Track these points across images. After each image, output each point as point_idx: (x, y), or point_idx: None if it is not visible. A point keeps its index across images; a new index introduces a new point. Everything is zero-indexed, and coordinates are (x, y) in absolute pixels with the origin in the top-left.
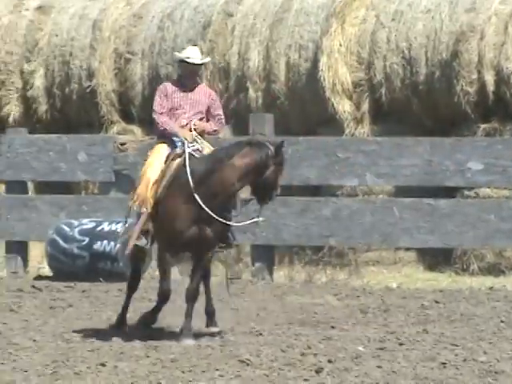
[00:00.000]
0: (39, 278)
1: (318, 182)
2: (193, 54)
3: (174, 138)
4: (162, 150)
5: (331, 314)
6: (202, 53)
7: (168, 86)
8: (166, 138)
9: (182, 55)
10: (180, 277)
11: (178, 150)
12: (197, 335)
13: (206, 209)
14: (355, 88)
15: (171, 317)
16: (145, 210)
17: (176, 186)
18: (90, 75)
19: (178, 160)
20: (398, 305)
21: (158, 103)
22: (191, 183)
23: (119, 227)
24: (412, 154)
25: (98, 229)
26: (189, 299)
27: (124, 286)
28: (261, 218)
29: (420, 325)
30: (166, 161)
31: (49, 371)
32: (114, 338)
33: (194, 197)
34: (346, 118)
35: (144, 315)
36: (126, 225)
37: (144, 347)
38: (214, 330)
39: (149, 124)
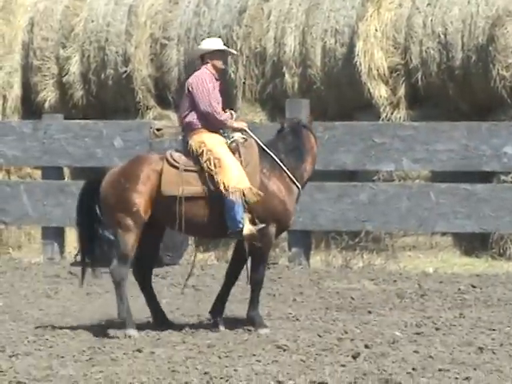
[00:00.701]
0: (76, 263)
1: (355, 167)
2: (219, 43)
3: (226, 130)
4: (219, 139)
5: (368, 299)
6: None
7: (211, 77)
8: (219, 130)
9: (218, 46)
10: (217, 262)
11: (230, 140)
12: (233, 321)
13: (300, 189)
14: (391, 73)
15: (205, 303)
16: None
17: (267, 170)
18: (126, 61)
19: (248, 148)
20: (434, 289)
21: (212, 98)
22: (284, 167)
23: None
24: (448, 139)
25: None
26: (256, 286)
27: (160, 271)
28: None
29: (457, 309)
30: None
31: (85, 357)
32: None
33: (290, 179)
34: (382, 103)
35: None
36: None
37: (181, 333)
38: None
39: None
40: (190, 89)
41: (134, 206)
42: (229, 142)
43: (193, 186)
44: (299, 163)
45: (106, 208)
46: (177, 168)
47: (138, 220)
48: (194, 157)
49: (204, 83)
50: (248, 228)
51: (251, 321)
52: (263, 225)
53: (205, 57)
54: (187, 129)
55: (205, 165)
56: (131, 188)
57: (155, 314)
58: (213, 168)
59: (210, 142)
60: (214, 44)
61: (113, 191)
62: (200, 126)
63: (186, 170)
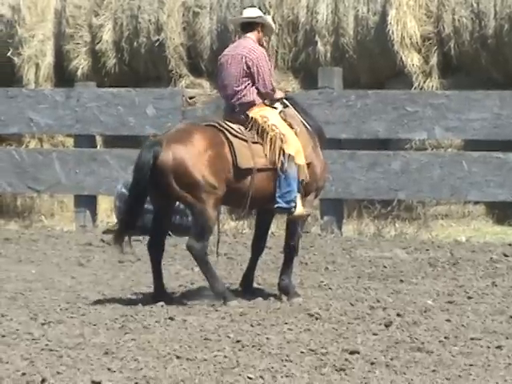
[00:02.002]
0: (108, 232)
1: (387, 136)
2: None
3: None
4: (277, 113)
5: (400, 268)
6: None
7: (265, 53)
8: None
9: (267, 19)
10: (249, 230)
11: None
12: (266, 289)
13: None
14: (424, 41)
15: (237, 271)
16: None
17: (306, 139)
18: (159, 29)
19: (293, 118)
20: (466, 258)
21: (272, 77)
22: (316, 136)
23: None
24: (481, 108)
25: None
26: (290, 255)
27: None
28: None
29: (489, 278)
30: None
31: (118, 325)
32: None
33: (320, 148)
34: (414, 72)
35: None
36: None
37: (212, 301)
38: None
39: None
40: (251, 64)
41: (214, 183)
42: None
43: (261, 158)
44: (321, 132)
45: (182, 185)
46: (245, 141)
47: (218, 196)
48: (257, 130)
49: (265, 61)
50: (300, 209)
51: (284, 290)
52: (312, 211)
53: (249, 26)
54: (244, 103)
55: (271, 139)
56: (210, 164)
57: (157, 287)
58: (279, 143)
59: (273, 117)
60: (266, 17)
61: (190, 168)
62: (259, 101)
63: (253, 143)
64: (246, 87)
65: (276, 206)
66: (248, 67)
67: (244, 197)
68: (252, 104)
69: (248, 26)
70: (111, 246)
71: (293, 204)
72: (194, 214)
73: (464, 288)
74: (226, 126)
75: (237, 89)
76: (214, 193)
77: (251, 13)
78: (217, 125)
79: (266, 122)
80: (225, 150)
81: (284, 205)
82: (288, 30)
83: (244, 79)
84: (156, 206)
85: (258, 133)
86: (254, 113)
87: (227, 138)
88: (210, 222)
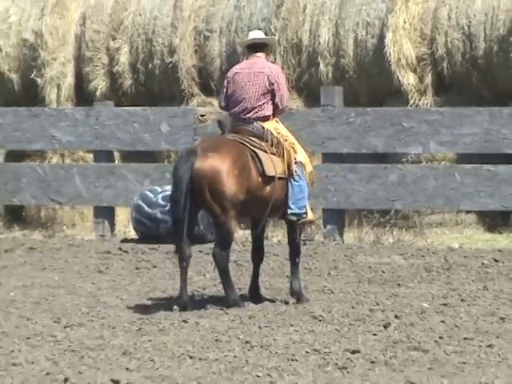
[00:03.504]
0: (125, 240)
1: (385, 150)
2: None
3: None
4: (281, 124)
5: (397, 273)
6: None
7: None
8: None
9: (273, 40)
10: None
11: None
12: (273, 293)
13: None
14: (419, 62)
15: (246, 277)
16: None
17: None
18: (172, 52)
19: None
20: (459, 263)
21: (287, 92)
22: None
23: None
24: (472, 123)
25: None
26: (296, 257)
27: (203, 248)
28: None
29: (480, 282)
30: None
31: (135, 328)
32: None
33: None
34: (410, 90)
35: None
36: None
37: (223, 305)
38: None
39: None
40: (273, 82)
41: (240, 194)
42: None
43: (279, 167)
44: None
45: (216, 194)
46: (265, 152)
47: (238, 209)
48: (271, 142)
49: (284, 79)
50: (310, 214)
51: (297, 294)
52: (320, 214)
53: (256, 47)
54: (261, 117)
55: (285, 150)
56: (238, 174)
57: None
58: (292, 153)
59: (283, 129)
60: (272, 38)
61: (224, 177)
62: (273, 115)
63: (271, 153)
64: (264, 103)
65: (290, 211)
66: (270, 84)
67: (267, 204)
68: (267, 118)
69: (255, 46)
70: (129, 254)
71: (304, 210)
72: (217, 225)
73: (457, 291)
74: (246, 138)
75: (256, 104)
76: (236, 204)
77: (258, 35)
78: (237, 138)
79: (279, 133)
80: (250, 160)
81: (297, 210)
82: (292, 51)
83: (265, 95)
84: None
85: (272, 144)
86: (267, 125)
87: (251, 150)
88: (231, 234)
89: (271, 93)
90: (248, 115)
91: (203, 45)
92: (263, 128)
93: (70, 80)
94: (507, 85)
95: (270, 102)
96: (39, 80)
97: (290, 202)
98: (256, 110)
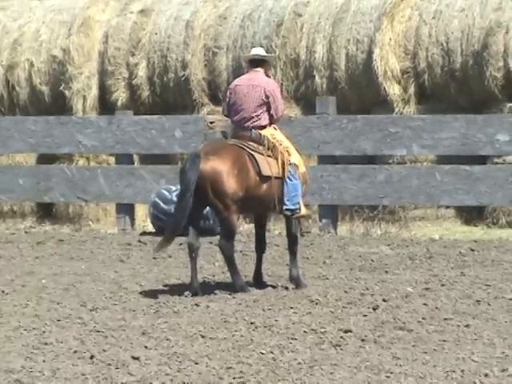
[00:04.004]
0: (144, 233)
1: (373, 153)
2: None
3: None
4: (278, 130)
5: (385, 261)
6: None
7: None
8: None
9: (271, 57)
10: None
11: None
12: (275, 280)
13: None
14: (403, 74)
15: (250, 266)
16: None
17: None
18: (184, 66)
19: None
20: (439, 253)
21: (282, 103)
22: None
23: None
24: (450, 129)
25: None
26: (293, 251)
27: (213, 239)
28: None
29: (458, 269)
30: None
31: (152, 310)
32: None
33: None
34: (395, 100)
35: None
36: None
37: (231, 290)
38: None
39: None
40: (269, 95)
41: (239, 192)
42: None
43: (274, 168)
44: None
45: (218, 193)
46: (262, 154)
47: (239, 204)
48: (268, 146)
49: (279, 92)
50: (304, 209)
51: (295, 280)
52: (310, 212)
53: (257, 62)
54: (258, 126)
55: (280, 152)
56: (238, 175)
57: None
58: (286, 155)
59: (278, 134)
60: (271, 55)
61: (225, 178)
62: (269, 123)
63: (268, 156)
64: (261, 113)
65: (285, 207)
66: (266, 97)
67: (265, 200)
68: (264, 127)
69: (256, 62)
70: (148, 246)
71: (298, 206)
72: (220, 220)
73: (438, 277)
74: (244, 143)
75: (253, 114)
76: (237, 201)
77: (259, 51)
78: (237, 143)
79: (275, 138)
80: (248, 162)
81: (291, 206)
82: (291, 65)
83: (261, 106)
84: (192, 208)
85: (268, 148)
86: (264, 131)
87: (248, 153)
88: (234, 227)
89: (267, 105)
90: (246, 124)
91: (212, 60)
92: (260, 134)
93: (94, 92)
94: (481, 95)
95: (266, 113)
96: (67, 92)
97: (285, 199)
98: (253, 119)
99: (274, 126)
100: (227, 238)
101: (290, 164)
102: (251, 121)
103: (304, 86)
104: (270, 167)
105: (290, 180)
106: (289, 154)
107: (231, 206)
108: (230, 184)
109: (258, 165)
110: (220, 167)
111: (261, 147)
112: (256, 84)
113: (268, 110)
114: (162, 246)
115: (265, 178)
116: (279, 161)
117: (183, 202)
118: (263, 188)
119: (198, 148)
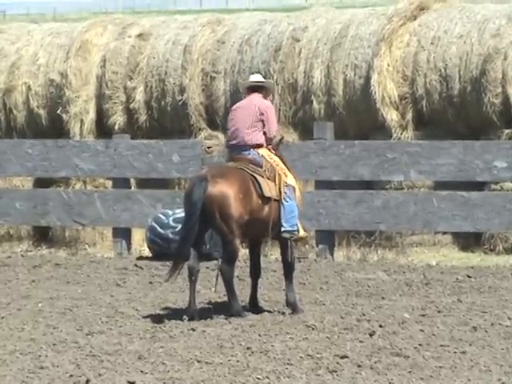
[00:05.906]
0: (140, 258)
1: (371, 178)
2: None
3: None
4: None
5: (381, 287)
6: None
7: None
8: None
9: (269, 83)
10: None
11: None
12: (271, 305)
13: None
14: (401, 100)
15: (247, 290)
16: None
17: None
18: (182, 90)
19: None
20: (436, 279)
21: (275, 123)
22: None
23: None
24: (448, 155)
25: None
26: (290, 276)
27: (210, 264)
28: None
29: (455, 295)
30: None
31: (148, 335)
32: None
33: None
34: (393, 125)
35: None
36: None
37: (227, 315)
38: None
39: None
40: (263, 112)
41: (245, 215)
42: None
43: (273, 190)
44: None
45: (225, 216)
46: (262, 177)
47: (243, 229)
48: (266, 168)
49: (273, 112)
50: (302, 231)
51: (292, 305)
52: (308, 234)
53: (255, 88)
54: (253, 144)
55: (277, 174)
56: (243, 198)
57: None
58: (283, 177)
59: (275, 157)
60: (269, 82)
61: (232, 202)
62: (264, 144)
63: (267, 178)
64: (255, 131)
65: (283, 229)
66: (261, 114)
67: (266, 223)
68: (260, 146)
69: (253, 88)
70: (144, 270)
71: (296, 227)
72: (224, 243)
73: (434, 303)
74: (246, 165)
75: (247, 131)
76: (242, 225)
77: (258, 78)
78: (239, 165)
79: (271, 158)
80: (251, 184)
81: (289, 228)
82: (288, 90)
83: (256, 124)
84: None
85: (266, 170)
86: (262, 151)
87: (251, 175)
88: (236, 251)
89: (261, 122)
90: (243, 141)
91: (210, 84)
92: (259, 153)
93: (91, 115)
94: (479, 121)
95: (262, 132)
96: (64, 115)
97: (282, 221)
98: (249, 136)
99: (269, 147)
100: (229, 262)
101: (286, 185)
102: (246, 139)
103: (302, 111)
104: (269, 189)
105: (286, 201)
106: (285, 176)
107: (236, 229)
108: (238, 208)
109: (260, 187)
110: (228, 191)
111: (260, 169)
112: (252, 104)
113: (262, 129)
114: (172, 272)
115: (266, 200)
116: (276, 182)
117: (189, 225)
118: (264, 210)
119: (203, 171)
